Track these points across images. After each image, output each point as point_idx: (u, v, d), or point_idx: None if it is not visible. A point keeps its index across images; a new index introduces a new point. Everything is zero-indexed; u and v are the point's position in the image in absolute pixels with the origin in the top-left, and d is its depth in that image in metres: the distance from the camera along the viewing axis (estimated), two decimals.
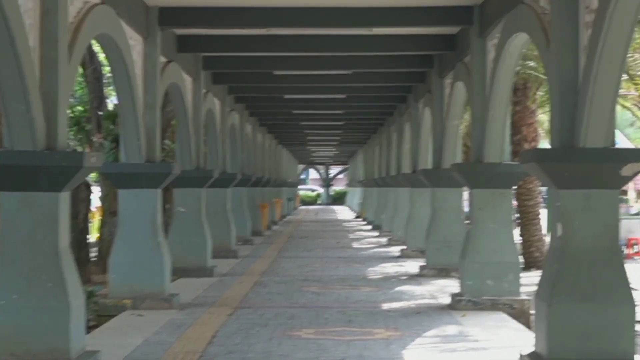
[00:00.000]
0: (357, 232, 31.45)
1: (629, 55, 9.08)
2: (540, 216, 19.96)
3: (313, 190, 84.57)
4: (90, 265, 17.52)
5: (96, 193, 23.02)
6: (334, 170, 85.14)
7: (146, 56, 12.50)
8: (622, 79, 8.81)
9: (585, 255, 7.88)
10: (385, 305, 12.45)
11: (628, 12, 7.23)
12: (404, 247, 20.92)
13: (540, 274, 8.48)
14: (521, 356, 8.37)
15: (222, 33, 14.82)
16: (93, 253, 19.06)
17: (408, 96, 21.74)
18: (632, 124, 38.03)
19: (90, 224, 19.26)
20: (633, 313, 7.85)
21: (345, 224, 39.26)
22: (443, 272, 16.00)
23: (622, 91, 17.03)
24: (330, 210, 60.50)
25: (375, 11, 12.79)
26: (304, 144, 45.85)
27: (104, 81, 20.12)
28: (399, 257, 20.27)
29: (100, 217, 20.08)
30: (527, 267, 18.61)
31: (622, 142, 33.69)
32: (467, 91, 13.50)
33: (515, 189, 18.44)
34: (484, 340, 9.71)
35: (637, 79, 17.04)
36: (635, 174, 7.93)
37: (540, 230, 19.80)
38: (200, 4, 12.72)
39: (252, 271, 17.04)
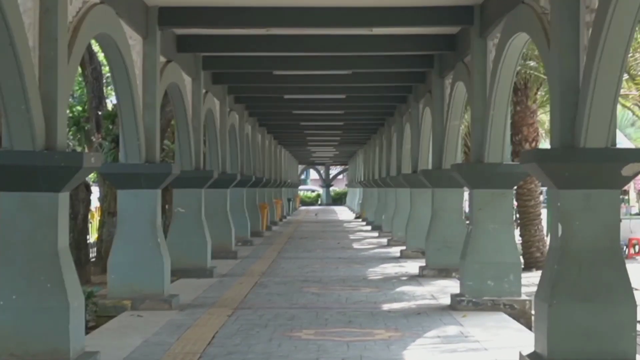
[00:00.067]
0: (357, 233, 31.43)
1: (629, 55, 9.05)
2: (540, 216, 19.95)
3: (313, 191, 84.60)
4: (90, 265, 17.51)
5: (95, 193, 22.98)
6: (334, 170, 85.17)
7: (146, 56, 12.48)
8: (623, 78, 8.80)
9: (585, 255, 7.87)
10: (386, 306, 12.43)
11: (628, 12, 7.21)
12: (404, 247, 20.89)
13: (541, 274, 8.46)
14: (522, 356, 8.35)
15: (221, 33, 14.80)
16: (92, 253, 19.05)
17: (408, 96, 21.72)
18: (633, 124, 38.02)
19: (89, 224, 19.23)
20: (634, 313, 7.84)
21: (345, 224, 39.24)
22: (443, 272, 15.98)
23: (622, 91, 17.02)
24: (330, 211, 60.49)
25: (375, 11, 12.77)
26: (304, 144, 45.84)
27: (103, 81, 20.12)
28: (399, 257, 20.25)
29: (99, 218, 20.06)
30: (528, 267, 18.60)
31: (623, 142, 33.66)
32: (468, 91, 13.48)
33: (515, 189, 18.42)
34: (484, 341, 9.69)
35: (637, 78, 17.05)
36: (636, 174, 7.92)
37: (541, 231, 19.80)
38: (200, 4, 12.70)
39: (252, 272, 17.02)
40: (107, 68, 15.19)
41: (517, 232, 18.98)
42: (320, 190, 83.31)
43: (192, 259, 15.98)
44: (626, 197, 37.73)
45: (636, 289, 8.98)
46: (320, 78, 19.80)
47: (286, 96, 23.08)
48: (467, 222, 14.15)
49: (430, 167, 17.78)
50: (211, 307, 12.24)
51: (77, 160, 7.96)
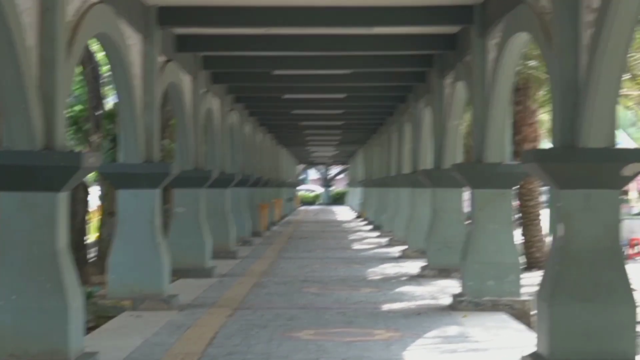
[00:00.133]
0: (357, 233, 31.41)
1: (630, 54, 9.04)
2: (541, 216, 19.94)
3: (313, 191, 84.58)
4: (89, 265, 17.50)
5: (95, 193, 22.98)
6: (333, 170, 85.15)
7: (145, 55, 12.46)
8: (624, 78, 8.78)
9: (586, 255, 7.86)
10: (386, 306, 12.41)
11: (629, 12, 7.20)
12: (405, 247, 20.88)
13: (542, 274, 8.44)
14: (522, 357, 8.33)
15: (221, 32, 14.78)
16: (92, 253, 19.04)
17: (408, 96, 21.71)
18: (634, 124, 38.01)
19: (88, 225, 19.22)
20: (634, 313, 7.83)
21: (345, 224, 39.23)
22: (444, 272, 15.95)
23: (623, 91, 17.01)
24: (330, 211, 60.49)
25: (375, 11, 12.76)
26: (304, 143, 45.82)
27: (103, 80, 20.09)
28: (400, 257, 20.23)
29: (99, 218, 20.05)
30: (528, 267, 18.58)
31: (623, 142, 33.64)
32: (468, 91, 13.46)
33: (516, 189, 18.40)
34: (485, 341, 9.67)
35: (638, 78, 17.02)
36: (637, 174, 7.90)
37: (541, 231, 19.78)
38: (200, 3, 12.68)
39: (251, 272, 17.00)
40: (106, 67, 15.18)
41: (517, 232, 18.95)
42: (320, 190, 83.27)
43: (192, 259, 15.96)
44: (627, 197, 37.73)
45: (636, 290, 8.95)
46: (320, 78, 19.79)
47: (286, 96, 23.06)
48: (468, 222, 14.13)
49: (430, 166, 17.77)
50: (211, 307, 12.22)
51: (76, 160, 7.94)
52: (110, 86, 17.63)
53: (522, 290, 12.07)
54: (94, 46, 19.43)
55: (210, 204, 18.54)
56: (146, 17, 12.46)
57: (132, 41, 11.86)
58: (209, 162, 19.03)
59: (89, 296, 12.04)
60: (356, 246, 24.56)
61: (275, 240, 26.75)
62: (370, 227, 34.27)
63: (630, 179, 7.94)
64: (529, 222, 19.56)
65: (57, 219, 7.91)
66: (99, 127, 18.73)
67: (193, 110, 16.24)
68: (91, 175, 21.75)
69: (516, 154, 17.68)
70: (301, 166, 79.06)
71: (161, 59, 13.19)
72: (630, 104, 20.34)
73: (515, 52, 11.13)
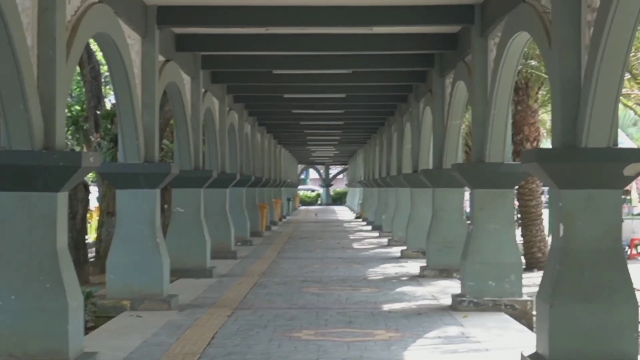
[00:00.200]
0: (357, 233, 31.39)
1: (631, 54, 9.01)
2: (542, 216, 19.91)
3: (313, 191, 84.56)
4: (89, 265, 17.47)
5: (95, 193, 22.95)
6: (333, 170, 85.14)
7: (144, 55, 12.44)
8: (625, 78, 8.75)
9: (587, 255, 7.84)
10: (386, 306, 12.38)
11: (630, 11, 7.18)
12: (405, 247, 20.86)
13: (542, 274, 8.42)
14: (523, 357, 8.31)
15: (221, 32, 14.75)
16: (91, 253, 19.01)
17: (409, 95, 21.68)
18: (635, 124, 37.96)
19: (88, 224, 19.19)
20: (635, 314, 7.81)
21: (346, 224, 39.21)
22: (444, 272, 15.93)
23: (624, 90, 16.98)
24: (330, 211, 60.47)
25: (375, 10, 12.73)
26: (304, 143, 45.81)
27: (102, 80, 20.08)
28: (400, 257, 20.21)
29: (98, 218, 20.03)
30: (529, 267, 18.55)
31: (624, 141, 33.61)
32: (469, 90, 13.44)
33: (517, 189, 18.38)
34: (485, 342, 9.65)
35: (639, 77, 16.99)
36: (638, 174, 7.88)
37: (542, 231, 19.76)
38: (199, 3, 12.66)
39: (251, 272, 16.98)
40: (105, 67, 15.15)
41: (518, 232, 18.93)
42: (320, 190, 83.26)
43: (192, 259, 15.94)
44: (628, 197, 37.71)
45: (638, 290, 8.93)
46: (320, 77, 19.76)
47: (286, 95, 23.04)
48: (468, 222, 14.10)
49: (430, 166, 17.75)
50: (211, 307, 12.20)
51: (75, 160, 7.92)
52: (110, 86, 17.59)
53: (523, 290, 12.05)
54: (94, 45, 19.42)
55: (210, 204, 18.51)
56: (145, 16, 12.44)
57: (132, 41, 11.84)
58: (209, 162, 19.01)
59: (88, 296, 12.02)
60: (356, 246, 24.54)
61: (275, 240, 26.73)
62: (370, 227, 34.23)
63: (631, 178, 7.93)
64: (530, 222, 19.53)
65: (57, 219, 7.89)
66: (99, 127, 18.70)
67: (192, 110, 16.21)
68: (90, 176, 21.74)
69: (517, 153, 17.67)
70: (301, 166, 79.03)
71: (160, 58, 13.16)
72: (631, 103, 20.30)
73: (516, 52, 11.11)
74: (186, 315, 11.45)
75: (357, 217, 46.06)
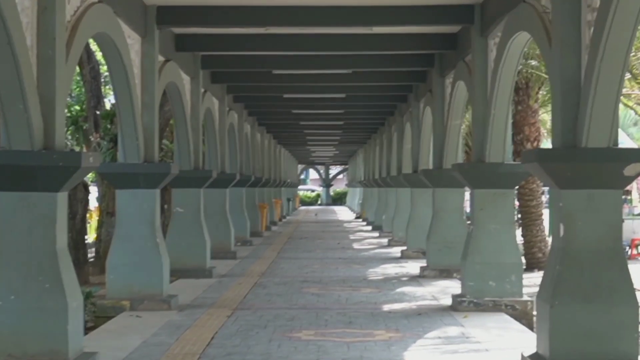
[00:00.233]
0: (358, 233, 31.38)
1: (631, 54, 9.00)
2: (542, 217, 19.91)
3: (313, 191, 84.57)
4: (88, 266, 17.46)
5: (94, 193, 22.94)
6: (333, 170, 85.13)
7: (144, 55, 12.43)
8: (625, 78, 8.75)
9: (587, 255, 7.83)
10: (386, 307, 12.37)
11: (630, 11, 7.17)
12: (405, 247, 20.84)
13: (543, 274, 8.40)
14: (523, 357, 8.30)
15: (220, 32, 14.75)
16: (91, 254, 19.00)
17: (409, 95, 21.67)
18: (635, 124, 37.94)
19: (88, 224, 19.18)
20: (636, 314, 7.79)
21: (346, 224, 39.20)
22: (444, 273, 15.92)
23: (625, 90, 16.97)
24: (330, 211, 60.46)
25: (375, 10, 12.72)
26: (304, 143, 45.80)
27: (102, 80, 20.07)
28: (400, 258, 20.20)
29: (98, 218, 20.02)
30: (530, 268, 18.54)
31: (625, 141, 33.59)
32: (469, 90, 13.43)
33: (517, 189, 18.37)
34: (485, 342, 9.64)
35: (639, 77, 16.98)
36: (638, 174, 7.87)
37: (543, 231, 19.75)
38: (199, 3, 12.65)
39: (251, 272, 16.96)
40: (105, 67, 15.13)
41: (518, 232, 18.93)
42: (320, 190, 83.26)
43: (191, 259, 15.93)
44: (629, 197, 37.71)
45: (638, 290, 8.92)
46: (320, 77, 19.75)
47: (285, 95, 23.03)
48: (468, 222, 14.09)
49: (431, 166, 17.74)
50: (210, 307, 12.19)
51: (75, 160, 7.91)
52: (110, 86, 17.58)
53: (524, 290, 12.04)
54: (93, 45, 19.41)
55: (210, 204, 18.51)
56: (145, 16, 12.44)
57: (131, 41, 11.83)
58: (209, 162, 19.00)
59: (88, 296, 12.01)
60: (356, 246, 24.53)
61: (275, 241, 26.72)
62: (370, 227, 34.21)
63: (632, 179, 7.92)
64: (530, 222, 19.53)
65: (56, 219, 7.89)
66: (98, 127, 18.69)
67: (192, 110, 16.20)
68: (90, 176, 21.74)
69: (517, 153, 17.66)
70: (301, 166, 79.03)
71: (160, 58, 13.15)
72: (631, 103, 20.29)
73: (516, 52, 11.10)
74: (186, 316, 11.44)
75: (357, 217, 46.05)
